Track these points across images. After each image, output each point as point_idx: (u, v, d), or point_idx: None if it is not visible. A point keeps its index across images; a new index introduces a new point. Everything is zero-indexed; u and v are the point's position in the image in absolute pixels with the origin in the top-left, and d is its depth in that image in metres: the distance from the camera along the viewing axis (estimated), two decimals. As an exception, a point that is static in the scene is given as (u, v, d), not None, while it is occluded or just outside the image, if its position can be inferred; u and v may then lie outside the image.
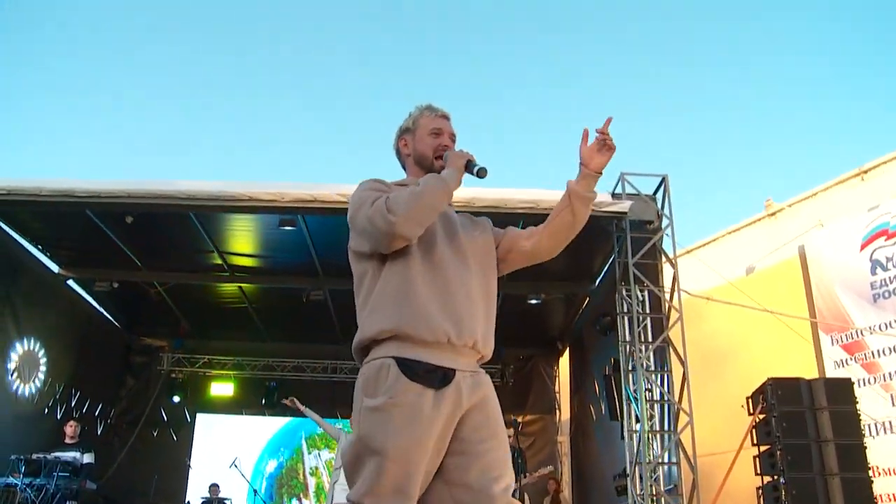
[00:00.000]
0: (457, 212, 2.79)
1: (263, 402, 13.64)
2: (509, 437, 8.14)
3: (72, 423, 9.16)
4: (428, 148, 2.72)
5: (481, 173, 2.57)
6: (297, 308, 11.73)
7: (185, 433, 13.65)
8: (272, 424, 13.79)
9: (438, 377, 2.35)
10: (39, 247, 10.83)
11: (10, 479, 8.15)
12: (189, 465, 13.03)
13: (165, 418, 13.61)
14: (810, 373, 9.30)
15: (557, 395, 13.81)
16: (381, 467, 2.25)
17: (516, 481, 8.00)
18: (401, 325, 2.37)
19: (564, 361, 13.69)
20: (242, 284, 11.77)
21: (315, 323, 12.66)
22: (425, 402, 2.30)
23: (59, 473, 8.28)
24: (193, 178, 8.61)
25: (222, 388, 13.90)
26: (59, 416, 11.01)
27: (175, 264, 11.23)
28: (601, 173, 2.62)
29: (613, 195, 8.71)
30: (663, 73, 33.40)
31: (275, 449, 13.80)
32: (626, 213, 8.40)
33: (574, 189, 2.62)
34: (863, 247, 9.99)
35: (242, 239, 10.43)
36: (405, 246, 2.45)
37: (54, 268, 11.26)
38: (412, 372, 2.33)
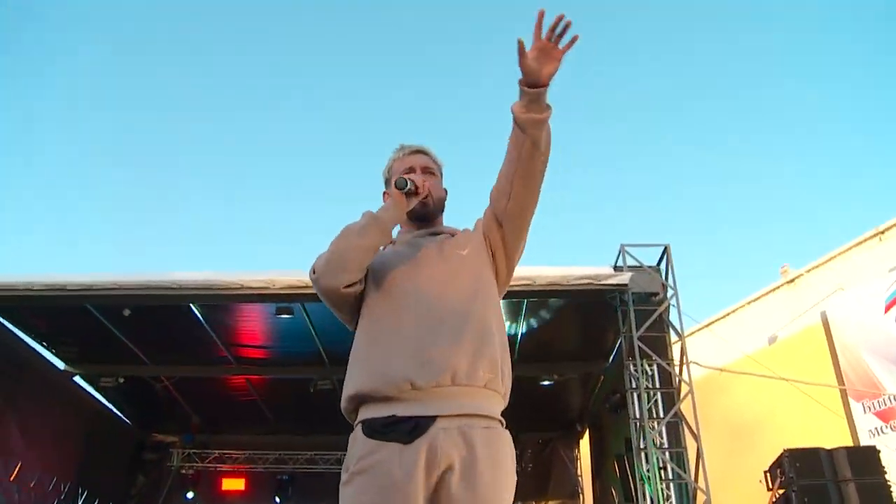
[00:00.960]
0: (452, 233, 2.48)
1: (276, 497, 13.29)
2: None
3: None
4: None
5: (398, 184, 2.25)
6: (306, 398, 11.47)
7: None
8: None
9: (406, 429, 1.99)
10: (44, 344, 10.77)
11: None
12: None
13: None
14: (845, 444, 8.80)
15: (580, 478, 13.24)
16: None
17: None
18: (361, 387, 2.11)
19: (586, 444, 13.13)
20: (249, 376, 11.58)
21: (326, 413, 12.23)
22: (391, 460, 1.96)
23: None
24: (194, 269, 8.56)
25: (234, 484, 13.57)
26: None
27: (179, 357, 11.07)
28: (546, 85, 2.07)
29: (615, 268, 8.49)
30: (665, 141, 33.42)
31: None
32: (626, 285, 8.15)
33: (517, 114, 2.13)
34: (887, 308, 9.66)
35: (245, 330, 10.29)
36: (366, 299, 2.24)
37: (60, 364, 11.17)
38: (371, 430, 2.05)
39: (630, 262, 8.55)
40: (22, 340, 10.49)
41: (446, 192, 2.56)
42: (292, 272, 8.23)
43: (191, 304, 9.05)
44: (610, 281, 8.18)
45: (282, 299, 8.49)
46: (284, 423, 13.19)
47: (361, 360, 2.17)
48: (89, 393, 11.96)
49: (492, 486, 1.99)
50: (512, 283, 7.55)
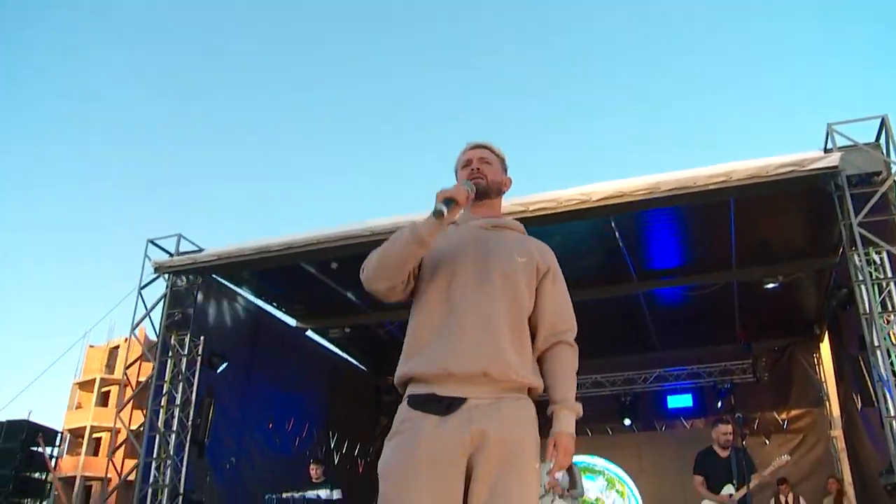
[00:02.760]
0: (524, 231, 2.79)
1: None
2: (728, 434, 7.41)
3: (313, 465, 9.59)
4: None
5: (435, 213, 2.39)
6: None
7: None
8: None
9: (443, 405, 2.31)
10: (274, 304, 11.65)
11: (269, 515, 8.80)
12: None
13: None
14: None
15: (824, 384, 12.41)
16: (383, 491, 2.28)
17: (740, 488, 7.22)
18: (410, 369, 2.41)
19: (827, 347, 12.20)
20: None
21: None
22: (427, 424, 2.29)
23: None
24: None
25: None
26: (320, 458, 11.71)
27: (381, 303, 11.50)
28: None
29: (826, 151, 7.68)
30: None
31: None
32: (836, 167, 7.37)
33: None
34: None
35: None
36: (419, 282, 2.53)
37: (291, 322, 12.06)
38: (414, 400, 2.37)
39: (842, 142, 7.71)
40: (257, 305, 11.48)
41: (508, 181, 2.81)
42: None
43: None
44: (816, 165, 7.44)
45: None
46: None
47: (411, 345, 2.46)
48: (323, 345, 12.84)
49: (529, 445, 2.35)
50: (707, 180, 7.14)
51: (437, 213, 2.37)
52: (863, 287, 7.51)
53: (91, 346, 40.45)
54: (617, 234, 9.17)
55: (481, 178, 2.66)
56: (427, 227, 2.39)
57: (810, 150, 7.72)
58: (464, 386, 2.33)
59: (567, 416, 2.50)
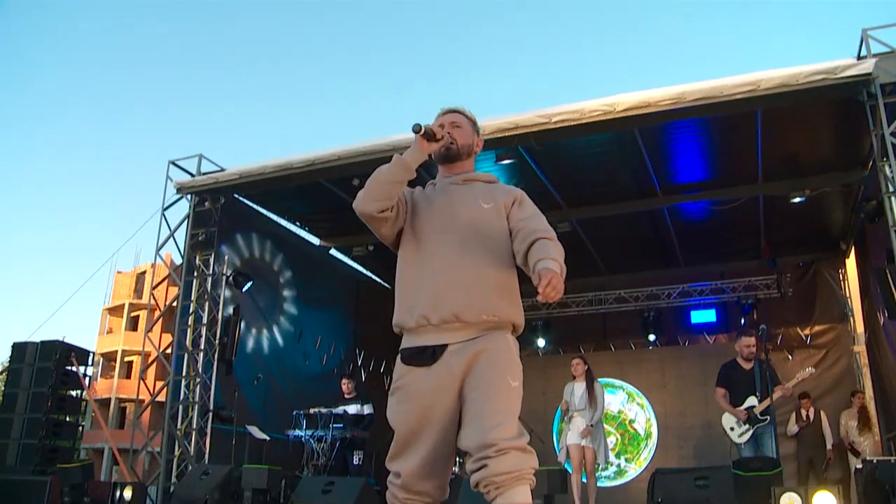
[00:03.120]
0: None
1: (535, 343, 13.70)
2: (751, 346, 7.40)
3: (345, 380, 9.76)
4: None
5: (413, 128, 2.70)
6: (551, 244, 11.54)
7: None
8: (547, 363, 13.64)
9: (427, 355, 2.57)
10: (297, 223, 11.67)
11: (297, 432, 9.00)
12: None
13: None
14: None
15: (849, 300, 12.29)
16: (393, 443, 2.62)
17: (762, 399, 7.24)
18: (397, 320, 2.71)
19: (853, 263, 12.06)
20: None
21: (572, 256, 12.29)
22: (417, 378, 2.57)
23: (333, 425, 8.91)
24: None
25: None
26: (349, 374, 11.92)
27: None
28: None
29: (859, 58, 7.41)
30: None
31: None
32: (870, 74, 7.12)
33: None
34: None
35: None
36: (403, 237, 2.79)
37: (315, 241, 12.09)
38: (404, 356, 2.65)
39: (877, 48, 7.41)
40: (280, 225, 11.52)
41: (479, 141, 3.03)
42: (502, 117, 8.16)
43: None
44: (849, 72, 7.19)
45: (499, 144, 8.40)
46: (532, 271, 13.30)
47: (398, 297, 2.73)
48: (347, 264, 12.89)
49: (502, 359, 2.55)
50: (734, 89, 6.96)
51: (415, 128, 2.68)
52: (892, 199, 7.35)
53: (119, 273, 41.02)
54: (642, 147, 9.03)
55: (452, 143, 2.88)
56: (410, 153, 2.74)
57: (843, 59, 7.48)
58: (442, 333, 2.57)
59: (547, 262, 2.49)
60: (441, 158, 2.94)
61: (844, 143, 9.02)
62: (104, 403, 35.01)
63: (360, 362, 12.95)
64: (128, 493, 6.48)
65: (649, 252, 12.62)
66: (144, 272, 39.24)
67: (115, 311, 40.71)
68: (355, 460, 9.09)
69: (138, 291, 40.22)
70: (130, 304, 39.86)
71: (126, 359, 39.18)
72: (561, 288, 2.39)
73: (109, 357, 38.79)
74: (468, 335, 2.57)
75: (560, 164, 9.69)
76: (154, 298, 10.35)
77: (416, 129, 2.69)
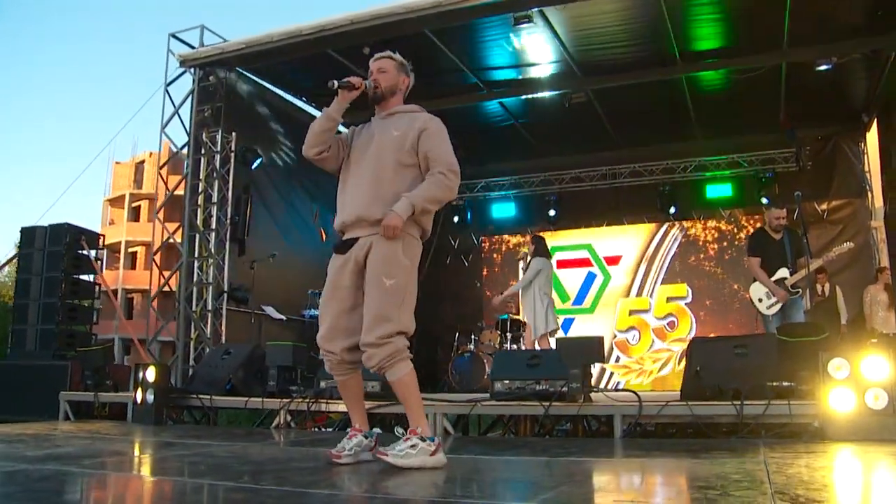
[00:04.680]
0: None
1: (547, 216, 13.54)
2: (781, 218, 7.20)
3: None
4: None
5: (328, 85, 3.55)
6: (564, 116, 11.20)
7: (475, 258, 14.12)
8: (558, 239, 13.47)
9: (345, 246, 3.53)
10: (303, 98, 11.29)
11: (313, 311, 8.90)
12: (482, 288, 13.51)
13: (455, 245, 14.08)
14: None
15: (867, 175, 12.03)
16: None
17: (794, 271, 7.10)
18: (334, 225, 3.70)
19: (874, 137, 11.63)
20: (501, 100, 11.40)
21: (586, 129, 12.09)
22: (335, 263, 3.58)
23: None
24: None
25: (504, 210, 14.03)
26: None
27: (430, 91, 11.04)
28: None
29: None
30: None
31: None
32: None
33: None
34: None
35: (487, 51, 9.97)
36: (342, 168, 3.70)
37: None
38: (333, 247, 3.65)
39: None
40: (285, 99, 11.13)
41: (404, 80, 3.73)
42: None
43: (426, 31, 8.84)
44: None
45: (517, 6, 7.96)
46: (546, 145, 13.04)
47: (337, 206, 3.66)
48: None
49: (380, 258, 3.39)
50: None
51: (330, 85, 3.52)
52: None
53: (117, 163, 40.60)
54: (664, 8, 8.58)
55: (377, 87, 3.64)
56: (333, 105, 3.60)
57: None
58: (354, 230, 3.51)
59: (402, 201, 3.35)
60: (371, 101, 3.68)
61: (877, 4, 8.51)
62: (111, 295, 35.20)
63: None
64: (151, 374, 6.36)
65: (665, 125, 12.24)
66: (143, 161, 38.82)
67: (115, 202, 40.53)
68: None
69: (138, 181, 39.92)
70: (131, 195, 39.62)
71: (130, 249, 39.22)
72: (396, 223, 3.31)
73: (113, 248, 38.80)
74: (372, 230, 3.42)
75: (577, 30, 9.25)
76: (163, 179, 10.03)
77: (331, 85, 3.52)
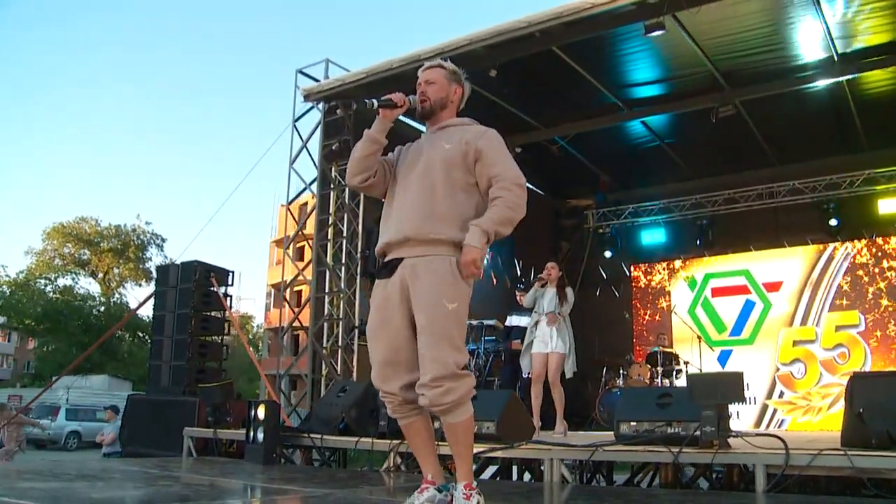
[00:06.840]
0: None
1: (698, 241, 12.66)
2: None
3: (519, 293, 9.23)
4: None
5: (368, 105, 3.22)
6: (713, 133, 10.42)
7: (625, 287, 13.37)
8: (713, 265, 12.63)
9: (387, 270, 3.13)
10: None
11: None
12: (629, 319, 12.90)
13: (604, 276, 13.39)
14: None
15: None
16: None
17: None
18: (377, 248, 3.26)
19: None
20: (645, 119, 10.74)
21: (737, 146, 11.24)
22: (379, 290, 3.16)
23: (486, 338, 8.49)
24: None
25: (654, 236, 13.23)
26: (507, 286, 11.54)
27: (565, 113, 10.56)
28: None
29: None
30: None
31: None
32: None
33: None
34: None
35: (623, 66, 9.38)
36: (388, 189, 3.32)
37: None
38: (373, 272, 3.28)
39: None
40: (416, 127, 10.92)
41: (456, 90, 3.30)
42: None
43: (555, 49, 8.36)
44: None
45: (647, 14, 7.35)
46: (695, 165, 12.27)
47: (380, 227, 3.28)
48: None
49: (438, 280, 3.01)
50: None
51: (368, 105, 3.20)
52: None
53: (283, 206, 42.48)
54: (819, 3, 7.72)
55: (426, 101, 3.24)
56: (374, 127, 3.22)
57: None
58: (399, 250, 3.10)
59: (473, 231, 2.99)
60: (419, 117, 3.32)
61: None
62: (279, 332, 36.60)
63: (519, 273, 12.41)
64: (261, 412, 6.20)
65: (826, 135, 11.18)
66: (306, 203, 40.37)
67: (280, 243, 42.34)
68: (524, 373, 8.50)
69: (301, 222, 41.57)
70: (294, 236, 41.23)
71: (296, 288, 40.68)
72: (475, 256, 2.96)
73: (279, 287, 40.36)
74: (421, 252, 3.05)
75: (717, 36, 8.52)
76: (293, 216, 10.02)
77: (370, 105, 3.18)
